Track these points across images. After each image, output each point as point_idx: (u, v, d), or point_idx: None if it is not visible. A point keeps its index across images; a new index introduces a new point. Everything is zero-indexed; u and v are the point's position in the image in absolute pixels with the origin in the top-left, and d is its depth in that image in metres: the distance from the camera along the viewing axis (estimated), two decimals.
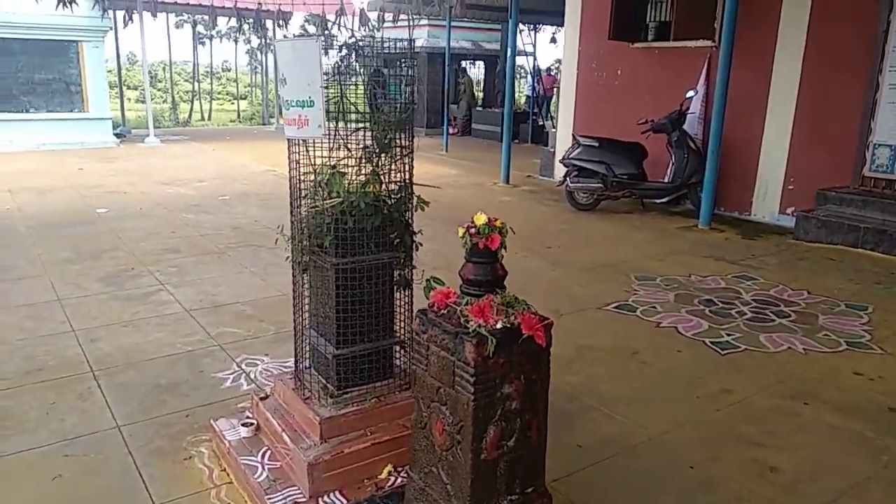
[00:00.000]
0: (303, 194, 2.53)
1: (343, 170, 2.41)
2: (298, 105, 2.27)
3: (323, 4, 14.04)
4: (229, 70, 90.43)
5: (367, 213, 2.36)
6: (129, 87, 43.48)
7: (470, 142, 16.24)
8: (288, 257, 2.61)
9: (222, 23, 62.92)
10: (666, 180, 7.82)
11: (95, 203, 7.75)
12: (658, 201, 7.91)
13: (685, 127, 7.78)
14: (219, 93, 73.76)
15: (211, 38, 63.58)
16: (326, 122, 2.29)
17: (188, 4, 13.32)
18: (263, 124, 43.81)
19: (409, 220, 2.55)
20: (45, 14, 11.24)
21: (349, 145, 2.47)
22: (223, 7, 13.46)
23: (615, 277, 5.31)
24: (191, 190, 8.75)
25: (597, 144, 7.87)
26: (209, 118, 53.86)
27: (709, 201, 7.16)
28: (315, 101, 2.24)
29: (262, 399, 2.73)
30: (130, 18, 12.79)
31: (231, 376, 3.45)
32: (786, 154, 7.35)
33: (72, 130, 12.55)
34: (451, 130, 17.85)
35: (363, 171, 2.45)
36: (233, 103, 74.51)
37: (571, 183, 7.92)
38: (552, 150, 10.51)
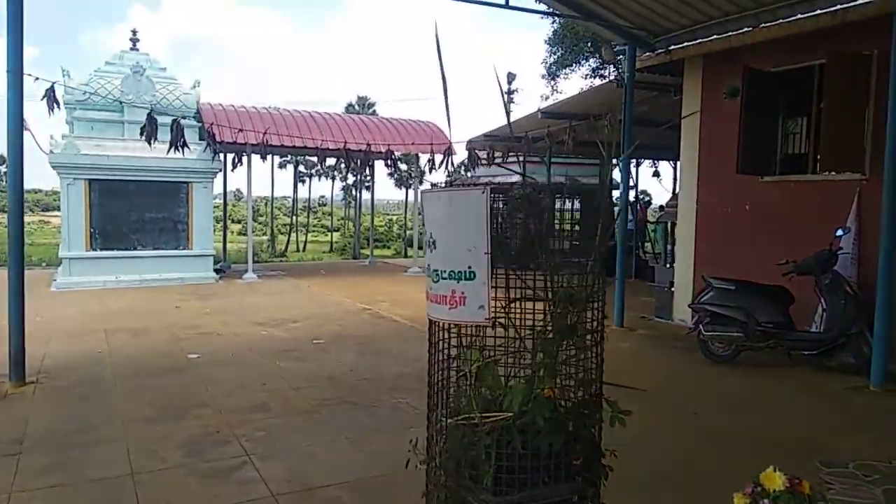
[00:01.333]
0: (446, 395, 1.80)
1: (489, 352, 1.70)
2: (452, 277, 1.62)
3: (431, 144, 14.18)
4: (324, 204, 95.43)
5: (544, 429, 1.60)
6: (233, 221, 46.03)
7: None
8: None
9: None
10: (818, 329, 6.71)
11: (188, 347, 7.38)
12: (808, 353, 6.75)
13: (837, 268, 6.76)
14: (314, 225, 77.55)
15: (310, 175, 67.84)
16: (490, 301, 1.61)
17: (295, 147, 13.74)
18: (355, 257, 44.87)
19: (599, 439, 1.76)
20: (160, 157, 11.76)
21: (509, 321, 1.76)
22: (329, 149, 13.78)
23: (794, 462, 4.20)
24: (284, 332, 8.31)
25: (733, 288, 6.92)
26: (304, 249, 56.13)
27: (882, 357, 5.97)
28: (477, 274, 1.58)
29: None
30: (240, 161, 13.25)
31: None
32: None
33: (174, 266, 12.74)
34: None
35: (528, 362, 1.73)
36: (326, 235, 77.90)
37: (706, 331, 6.92)
38: (666, 287, 9.59)
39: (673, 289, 9.53)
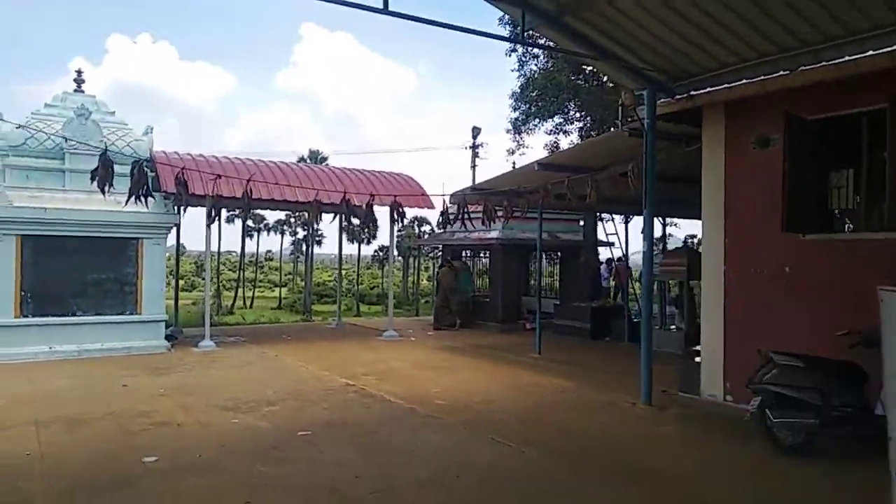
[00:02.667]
0: None
1: None
2: None
3: (413, 196, 13.16)
4: (272, 259, 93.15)
5: None
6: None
7: (547, 338, 14.44)
8: None
9: (270, 216, 65.60)
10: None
11: (142, 444, 5.91)
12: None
13: None
14: (261, 281, 75.30)
15: (258, 230, 66.16)
16: None
17: (286, 201, 12.56)
18: (307, 313, 42.52)
19: None
20: (108, 210, 10.32)
21: None
22: (328, 203, 12.54)
23: None
24: (261, 419, 6.91)
25: (802, 365, 5.96)
26: (251, 305, 53.84)
27: None
28: None
29: None
30: (217, 214, 11.88)
31: None
32: None
33: (120, 334, 11.13)
34: (527, 326, 16.22)
35: None
36: (273, 290, 75.61)
37: (774, 416, 5.90)
38: (690, 356, 8.63)
39: (698, 359, 8.57)
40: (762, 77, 7.24)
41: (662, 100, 8.28)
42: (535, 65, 22.61)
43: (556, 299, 17.56)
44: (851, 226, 7.44)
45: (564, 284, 17.68)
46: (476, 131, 26.84)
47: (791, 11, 6.17)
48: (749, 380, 6.33)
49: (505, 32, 21.58)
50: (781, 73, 7.08)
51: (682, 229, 30.98)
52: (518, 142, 24.43)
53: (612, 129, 20.04)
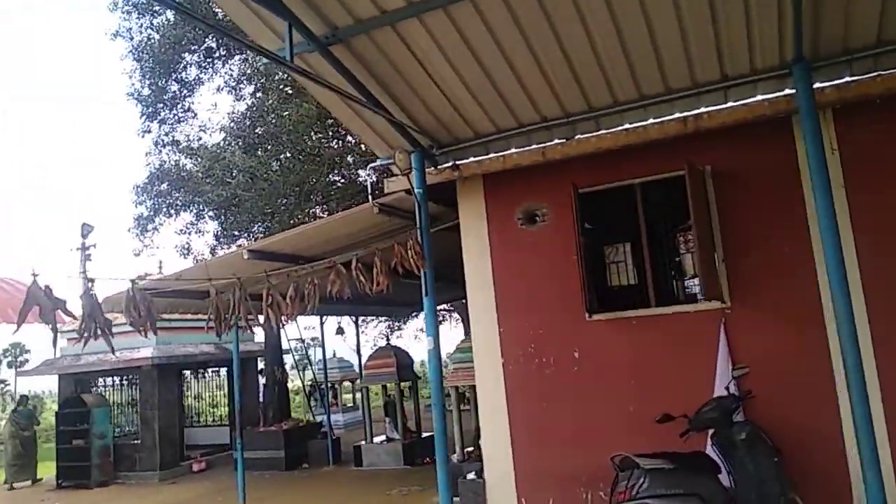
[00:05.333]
0: None
1: None
2: None
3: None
4: None
5: None
6: None
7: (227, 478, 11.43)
8: None
9: None
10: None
11: None
12: None
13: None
14: None
15: None
16: None
17: None
18: None
19: None
20: None
21: None
22: None
23: None
24: None
25: (671, 466, 4.98)
26: None
27: None
28: None
29: None
30: None
31: None
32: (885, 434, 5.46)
33: None
34: (194, 467, 12.76)
35: None
36: None
37: None
38: (472, 476, 7.17)
39: (471, 476, 7.14)
40: (539, 145, 6.56)
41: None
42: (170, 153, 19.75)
43: (226, 426, 14.48)
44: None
45: (244, 406, 14.62)
46: (86, 230, 21.93)
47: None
48: (611, 496, 5.12)
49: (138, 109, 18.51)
50: (556, 142, 6.51)
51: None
52: (145, 240, 20.75)
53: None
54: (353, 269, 4.97)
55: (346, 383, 17.74)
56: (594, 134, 6.25)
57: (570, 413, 6.49)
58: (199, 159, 17.96)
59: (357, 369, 20.18)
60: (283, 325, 4.92)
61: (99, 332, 3.79)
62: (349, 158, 16.88)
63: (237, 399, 9.76)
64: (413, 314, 23.90)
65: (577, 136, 6.37)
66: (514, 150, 6.64)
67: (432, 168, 6.83)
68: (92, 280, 3.74)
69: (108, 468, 12.11)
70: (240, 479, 9.05)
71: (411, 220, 7.95)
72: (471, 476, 7.28)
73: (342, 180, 18.65)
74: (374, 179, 10.98)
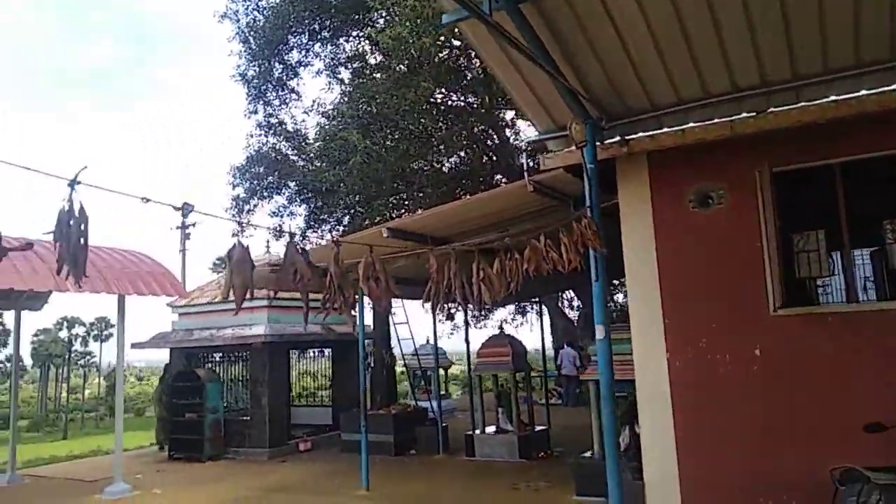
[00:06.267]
0: None
1: None
2: None
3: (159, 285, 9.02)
4: None
5: None
6: None
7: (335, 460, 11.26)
8: None
9: None
10: None
11: None
12: None
13: None
14: None
15: None
16: None
17: None
18: None
19: None
20: None
21: None
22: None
23: None
24: None
25: None
26: None
27: None
28: None
29: None
30: None
31: None
32: None
33: None
34: (301, 447, 12.72)
35: None
36: None
37: None
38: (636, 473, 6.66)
39: (638, 479, 6.61)
40: (716, 120, 5.93)
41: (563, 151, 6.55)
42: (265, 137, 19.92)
43: (329, 406, 14.44)
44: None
45: (339, 388, 14.57)
46: (187, 209, 22.48)
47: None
48: None
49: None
50: (746, 114, 5.86)
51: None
52: (241, 222, 21.05)
53: None
54: (543, 247, 4.51)
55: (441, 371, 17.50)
56: (796, 106, 5.56)
57: (751, 416, 5.86)
58: (311, 140, 17.98)
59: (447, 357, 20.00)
60: (488, 303, 4.48)
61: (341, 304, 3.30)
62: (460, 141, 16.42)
63: (362, 380, 9.52)
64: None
65: (770, 109, 5.71)
66: (693, 125, 6.02)
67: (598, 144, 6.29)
68: (338, 244, 3.34)
69: (220, 443, 12.18)
70: (364, 465, 8.80)
71: (563, 200, 7.49)
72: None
73: (447, 166, 18.30)
74: (525, 160, 10.51)
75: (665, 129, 6.20)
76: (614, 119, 6.26)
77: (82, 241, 2.20)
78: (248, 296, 3.26)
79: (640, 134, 6.25)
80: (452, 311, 16.41)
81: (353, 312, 3.13)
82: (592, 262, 5.73)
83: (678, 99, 5.96)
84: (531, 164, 11.77)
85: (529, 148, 7.97)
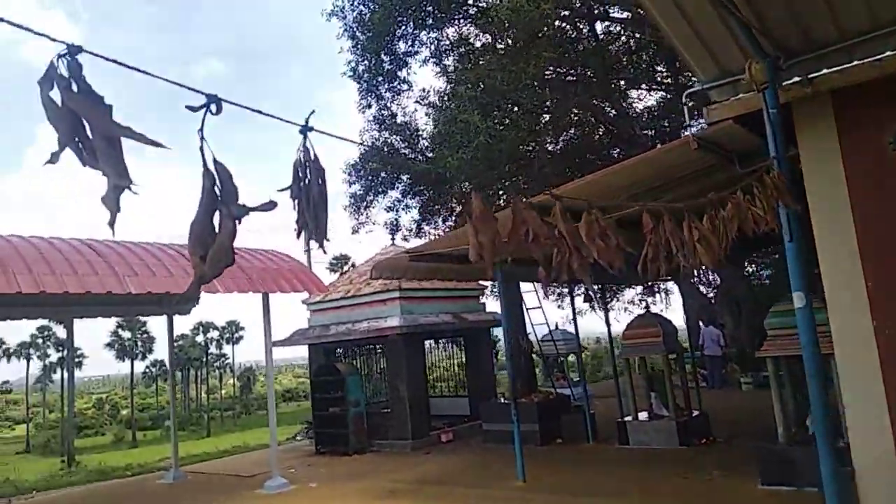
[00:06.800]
0: None
1: None
2: None
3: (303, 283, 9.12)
4: (9, 391, 77.65)
5: None
6: None
7: (480, 450, 10.95)
8: None
9: (12, 340, 54.80)
10: None
11: None
12: None
13: None
14: None
15: None
16: None
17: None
18: (69, 458, 33.65)
19: None
20: None
21: None
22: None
23: None
24: None
25: None
26: None
27: None
28: None
29: None
30: None
31: None
32: None
33: None
34: (443, 438, 12.58)
35: None
36: (12, 429, 62.82)
37: None
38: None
39: (845, 465, 5.81)
40: None
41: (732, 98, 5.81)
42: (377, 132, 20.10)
43: (465, 396, 14.25)
44: None
45: (473, 377, 14.36)
46: (269, 206, 22.99)
47: None
48: None
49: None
50: None
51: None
52: (358, 219, 21.36)
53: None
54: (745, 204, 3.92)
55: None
56: None
57: None
58: (422, 131, 17.88)
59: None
60: (710, 266, 3.92)
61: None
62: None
63: (510, 368, 9.20)
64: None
65: None
66: (891, 53, 5.14)
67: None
68: (560, 199, 2.95)
69: (363, 436, 12.26)
70: (518, 455, 8.44)
71: (727, 157, 6.75)
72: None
73: (559, 145, 17.65)
74: (686, 116, 9.71)
75: (855, 63, 5.36)
76: (792, 56, 5.47)
77: (322, 197, 1.91)
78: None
79: (826, 70, 5.44)
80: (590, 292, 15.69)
81: (589, 276, 2.67)
82: (784, 220, 5.02)
83: (873, 23, 5.11)
84: (689, 122, 10.89)
85: (691, 104, 7.20)
